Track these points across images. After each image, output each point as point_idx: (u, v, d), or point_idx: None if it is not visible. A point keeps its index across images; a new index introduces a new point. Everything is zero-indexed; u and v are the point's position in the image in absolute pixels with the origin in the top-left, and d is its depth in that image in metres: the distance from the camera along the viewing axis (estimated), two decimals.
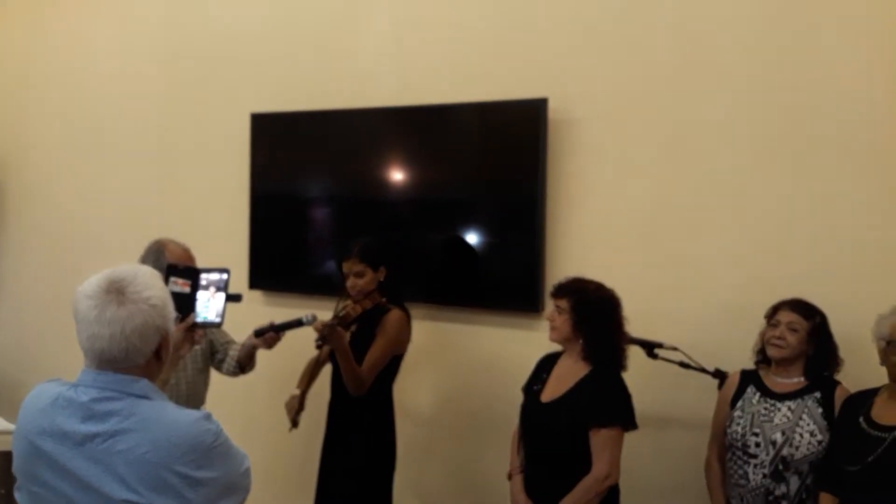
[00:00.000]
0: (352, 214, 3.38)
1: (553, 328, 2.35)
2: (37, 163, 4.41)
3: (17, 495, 1.43)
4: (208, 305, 1.79)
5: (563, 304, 2.32)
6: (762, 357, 2.41)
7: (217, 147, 3.78)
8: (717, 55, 2.76)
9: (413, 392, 3.19)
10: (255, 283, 3.58)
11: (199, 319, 1.77)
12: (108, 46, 4.16)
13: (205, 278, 1.80)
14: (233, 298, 1.93)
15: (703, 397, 2.63)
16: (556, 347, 2.48)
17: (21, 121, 4.48)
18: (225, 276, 1.83)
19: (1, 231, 4.53)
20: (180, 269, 1.80)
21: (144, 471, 1.30)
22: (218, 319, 1.81)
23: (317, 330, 2.56)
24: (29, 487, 1.39)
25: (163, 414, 1.36)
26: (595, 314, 2.30)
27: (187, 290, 1.75)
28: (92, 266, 4.50)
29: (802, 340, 2.30)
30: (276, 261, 3.58)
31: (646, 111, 2.88)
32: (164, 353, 1.41)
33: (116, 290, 1.34)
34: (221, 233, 3.69)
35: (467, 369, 3.19)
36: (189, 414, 1.39)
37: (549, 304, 2.44)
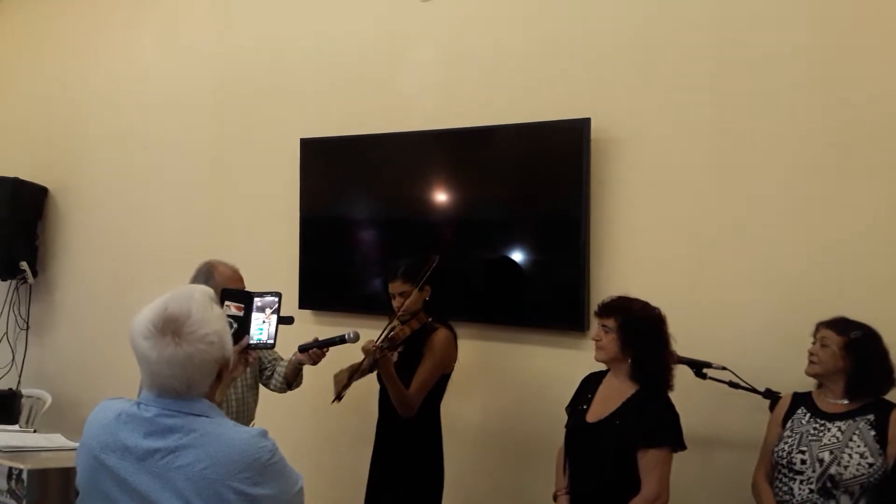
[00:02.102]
0: (397, 235, 3.44)
1: (599, 348, 2.35)
2: (93, 187, 4.58)
3: None
4: (262, 328, 1.85)
5: (610, 323, 2.32)
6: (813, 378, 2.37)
7: (267, 171, 3.89)
8: (760, 74, 2.76)
9: (458, 410, 3.21)
10: (304, 302, 3.65)
11: (253, 341, 1.83)
12: (160, 73, 4.32)
13: (258, 301, 1.86)
14: (285, 321, 1.99)
15: (750, 418, 2.60)
16: (601, 366, 2.48)
17: (78, 147, 4.66)
18: (277, 299, 1.89)
19: (60, 253, 4.71)
20: (234, 292, 1.87)
21: (202, 486, 1.35)
22: (271, 341, 1.87)
23: (366, 353, 2.61)
24: (91, 499, 1.45)
25: (221, 431, 1.40)
26: (642, 333, 2.30)
27: (241, 313, 1.82)
28: (147, 287, 4.69)
29: (835, 356, 2.25)
30: (325, 281, 3.65)
31: (689, 130, 2.88)
32: (224, 374, 1.46)
33: (172, 333, 1.36)
34: (272, 254, 3.79)
35: (512, 388, 3.20)
36: (246, 431, 1.43)
37: (595, 324, 2.44)
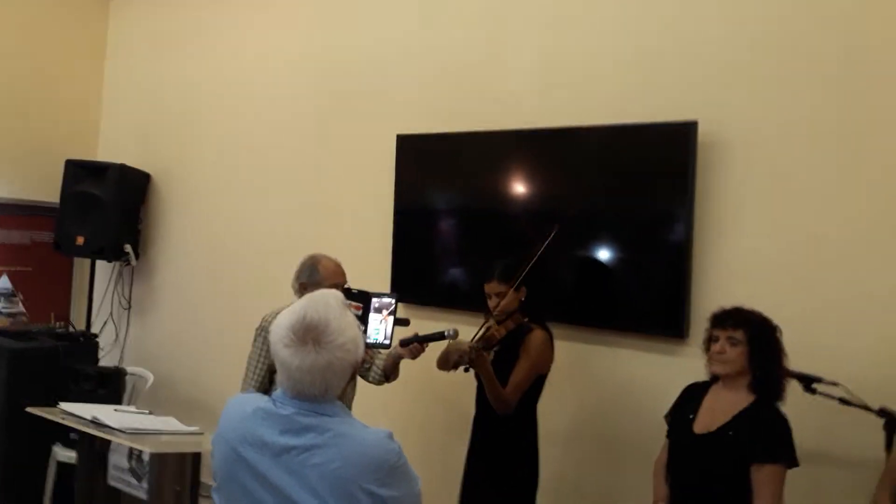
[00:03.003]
0: (491, 233, 3.44)
1: (724, 361, 2.28)
2: (195, 175, 4.76)
3: (214, 495, 1.57)
4: (378, 328, 1.89)
5: (739, 335, 2.26)
6: None
7: (364, 166, 3.96)
8: (889, 75, 2.62)
9: (550, 411, 3.19)
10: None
11: (371, 340, 1.88)
12: (264, 71, 4.45)
13: (376, 302, 1.90)
14: (401, 322, 2.02)
15: (863, 436, 2.50)
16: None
17: (182, 136, 4.85)
18: (395, 301, 1.93)
19: (161, 237, 4.91)
20: (354, 292, 1.92)
21: (335, 485, 1.40)
22: (387, 342, 1.91)
23: (462, 352, 2.63)
24: (228, 488, 1.53)
25: (353, 432, 1.46)
26: (769, 347, 2.26)
27: (359, 312, 1.86)
28: (243, 272, 4.83)
29: None
30: (417, 274, 3.69)
31: (805, 133, 2.77)
32: (355, 375, 1.51)
33: (313, 341, 1.41)
34: (367, 247, 3.86)
35: (606, 392, 3.17)
36: (376, 433, 1.48)
37: (714, 335, 2.34)
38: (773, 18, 2.85)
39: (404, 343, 2.75)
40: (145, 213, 4.95)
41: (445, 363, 2.73)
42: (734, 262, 2.88)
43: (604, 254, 3.14)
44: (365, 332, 1.89)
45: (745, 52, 2.90)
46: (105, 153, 5.18)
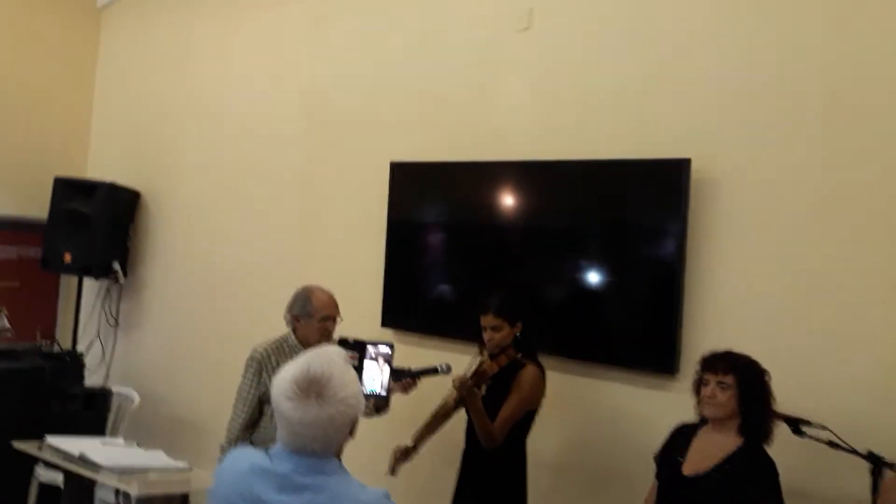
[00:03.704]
0: (485, 263, 3.44)
1: (715, 405, 2.31)
2: (184, 193, 4.75)
3: None
4: (374, 378, 1.89)
5: (729, 380, 2.29)
6: None
7: (357, 190, 3.96)
8: (871, 117, 2.67)
9: (538, 442, 3.19)
10: (386, 321, 3.71)
11: (367, 391, 1.87)
12: (253, 92, 4.45)
13: (372, 350, 1.90)
14: (398, 372, 2.02)
15: (850, 478, 2.52)
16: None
17: (171, 155, 4.84)
18: (390, 349, 1.92)
19: (149, 255, 4.89)
20: (350, 342, 1.91)
21: None
22: (384, 393, 1.90)
23: (455, 389, 2.63)
24: None
25: (350, 491, 1.46)
26: (758, 391, 2.29)
27: (354, 362, 1.86)
28: (231, 291, 4.80)
29: None
30: (408, 302, 3.69)
31: (795, 173, 2.80)
32: (354, 431, 1.52)
33: (316, 394, 1.41)
34: (358, 272, 3.86)
35: (595, 425, 3.17)
36: (373, 493, 1.48)
37: (704, 378, 2.37)
38: (762, 63, 2.89)
39: (397, 377, 2.76)
40: (134, 230, 4.92)
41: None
42: (727, 300, 2.90)
43: (596, 287, 3.15)
44: (361, 381, 1.88)
45: (737, 93, 2.92)
46: (95, 170, 5.15)
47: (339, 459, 1.52)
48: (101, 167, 5.10)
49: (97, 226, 4.63)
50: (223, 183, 4.56)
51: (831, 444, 2.48)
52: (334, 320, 2.88)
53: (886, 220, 2.63)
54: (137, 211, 4.93)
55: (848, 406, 2.61)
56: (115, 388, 4.31)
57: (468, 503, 2.87)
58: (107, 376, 4.80)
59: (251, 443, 2.87)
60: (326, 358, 1.48)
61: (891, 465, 2.37)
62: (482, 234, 3.45)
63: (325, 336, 2.89)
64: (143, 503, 2.28)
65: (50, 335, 4.87)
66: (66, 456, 2.39)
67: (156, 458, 2.48)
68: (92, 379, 4.58)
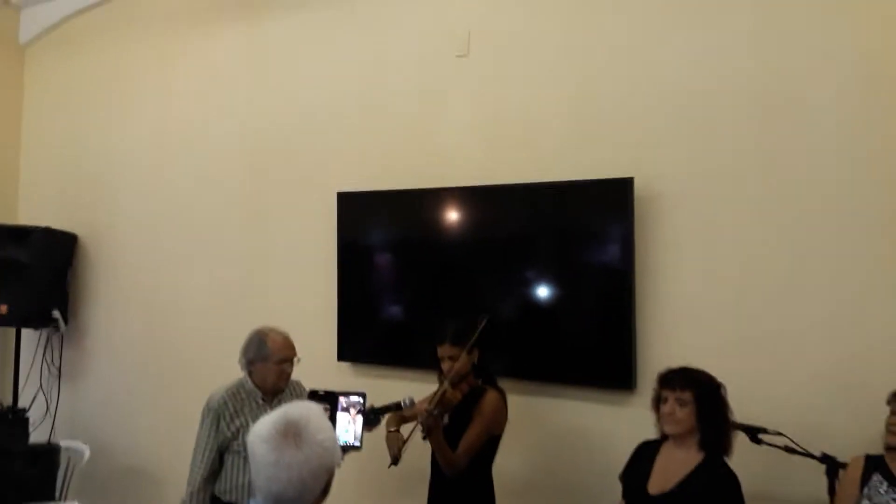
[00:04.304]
0: (438, 289, 3.45)
1: (674, 421, 2.35)
2: (123, 234, 4.61)
3: None
4: (348, 429, 1.86)
5: (686, 396, 2.33)
6: (888, 446, 2.36)
7: (303, 223, 3.91)
8: (805, 127, 2.79)
9: (502, 463, 3.19)
10: (343, 354, 3.67)
11: (341, 443, 1.84)
12: (189, 127, 4.35)
13: (344, 401, 1.87)
14: (370, 423, 1.99)
15: (806, 480, 2.61)
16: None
17: (107, 195, 4.69)
18: (362, 399, 1.90)
19: (90, 299, 4.72)
20: (321, 393, 1.88)
21: None
22: (357, 444, 1.87)
23: (421, 423, 2.61)
24: None
25: None
26: (715, 405, 2.34)
27: (327, 413, 1.83)
28: (178, 329, 4.67)
29: None
30: (364, 333, 3.66)
31: (734, 185, 2.90)
32: (328, 488, 1.50)
33: (294, 435, 1.43)
34: (310, 309, 3.81)
35: (557, 444, 3.20)
36: None
37: (662, 395, 2.41)
38: (694, 77, 2.99)
39: (368, 425, 2.71)
40: (73, 275, 4.75)
41: (393, 456, 2.71)
42: (676, 313, 2.97)
43: (549, 307, 3.18)
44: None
45: (675, 107, 3.01)
46: (26, 215, 4.95)
47: None
48: (33, 211, 4.91)
49: (33, 273, 4.45)
50: (164, 221, 4.44)
51: (787, 449, 2.56)
52: (291, 362, 2.83)
53: (823, 219, 2.74)
54: (75, 255, 4.76)
55: (801, 407, 2.70)
56: (62, 443, 4.13)
57: None
58: (52, 431, 4.60)
59: (213, 494, 2.80)
60: (304, 405, 1.53)
61: (843, 465, 2.46)
62: (434, 260, 3.45)
63: (282, 378, 2.83)
64: None
65: None
66: None
67: None
68: (36, 435, 4.39)
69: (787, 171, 2.82)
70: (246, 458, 2.76)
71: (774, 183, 2.84)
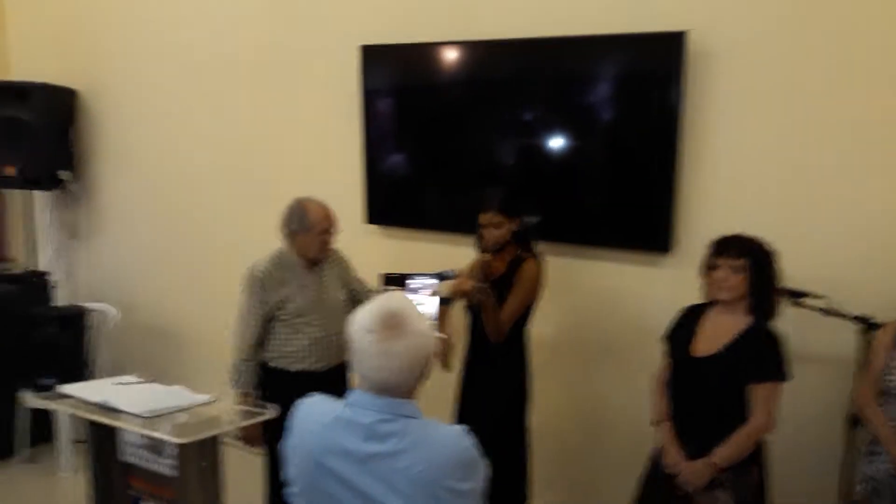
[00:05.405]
0: (469, 150, 3.34)
1: (727, 288, 2.36)
2: (133, 91, 4.38)
3: (296, 501, 1.60)
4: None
5: (741, 263, 2.34)
6: None
7: (324, 79, 3.72)
8: None
9: (536, 324, 3.27)
10: (372, 218, 3.63)
11: None
12: None
13: (419, 282, 1.87)
14: (445, 302, 1.98)
15: (834, 341, 2.71)
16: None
17: (107, 48, 4.42)
18: (437, 279, 1.89)
19: (96, 156, 4.58)
20: (394, 276, 1.87)
21: (420, 486, 1.45)
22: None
23: (465, 293, 2.66)
24: (311, 495, 1.56)
25: (432, 433, 1.50)
26: (769, 273, 2.36)
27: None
28: (197, 199, 4.58)
29: None
30: (392, 196, 3.60)
31: (802, 46, 2.74)
32: (427, 374, 1.54)
33: (396, 326, 1.47)
34: (332, 167, 3.72)
35: (593, 304, 3.25)
36: (451, 430, 1.53)
37: (720, 263, 2.37)
38: None
39: (389, 280, 2.70)
40: (75, 134, 4.57)
41: (464, 296, 2.75)
42: (725, 177, 2.90)
43: (592, 168, 3.12)
44: None
45: None
46: (20, 72, 4.67)
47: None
48: (31, 70, 4.63)
49: (36, 132, 4.27)
50: (174, 73, 4.20)
51: (824, 310, 2.64)
52: (331, 232, 2.81)
53: (890, 90, 2.62)
54: (76, 112, 4.55)
55: (842, 274, 2.74)
56: (89, 305, 4.16)
57: (477, 390, 2.94)
58: (75, 293, 4.62)
59: (264, 361, 2.86)
60: (400, 296, 1.59)
61: (879, 325, 2.54)
62: (470, 119, 3.31)
63: (324, 248, 2.82)
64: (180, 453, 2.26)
65: (4, 257, 4.61)
66: (87, 406, 2.32)
67: (179, 396, 2.43)
68: (60, 298, 4.41)
69: (862, 35, 2.64)
70: (293, 326, 2.80)
71: (849, 47, 2.66)
